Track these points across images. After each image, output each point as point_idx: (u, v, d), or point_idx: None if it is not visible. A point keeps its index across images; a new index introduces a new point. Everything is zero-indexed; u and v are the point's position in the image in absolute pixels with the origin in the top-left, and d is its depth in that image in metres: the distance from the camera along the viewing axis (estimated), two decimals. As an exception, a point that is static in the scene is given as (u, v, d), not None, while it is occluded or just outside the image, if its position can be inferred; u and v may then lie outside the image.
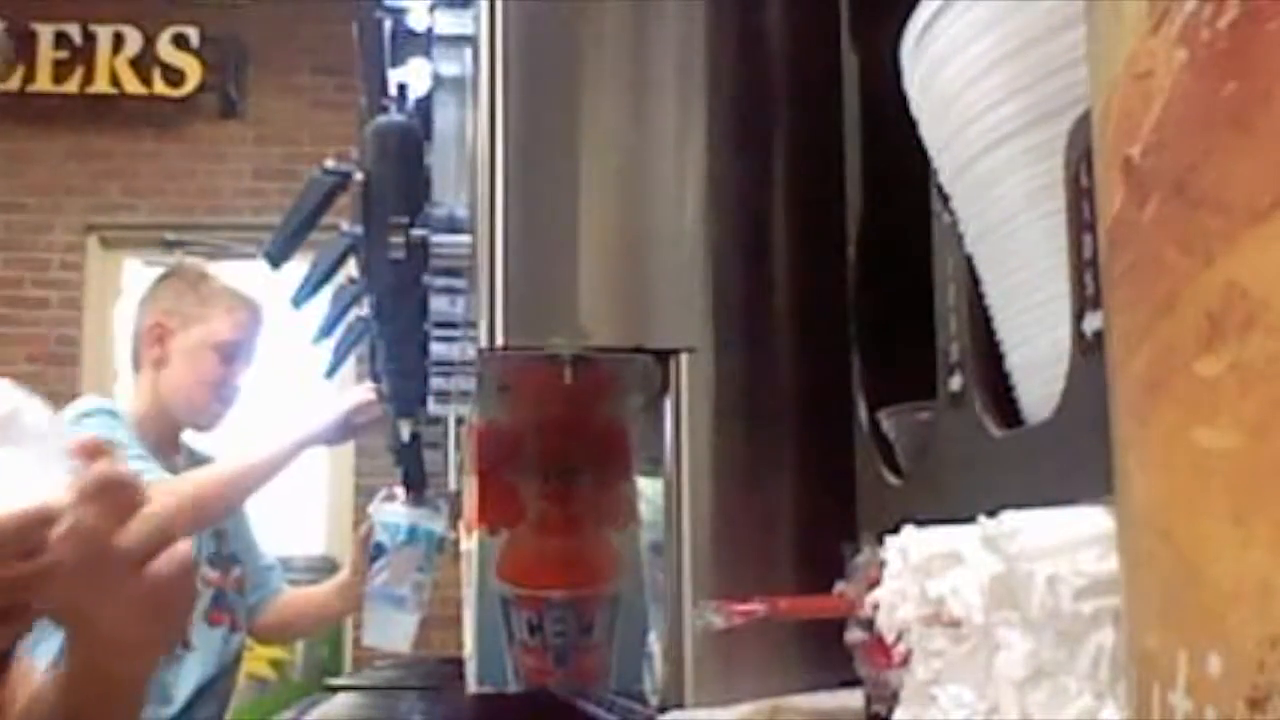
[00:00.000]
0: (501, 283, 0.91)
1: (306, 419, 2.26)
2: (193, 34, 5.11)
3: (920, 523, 0.60)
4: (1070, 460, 0.50)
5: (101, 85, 5.10)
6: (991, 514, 0.52)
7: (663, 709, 0.93)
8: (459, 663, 1.82)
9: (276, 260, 1.78)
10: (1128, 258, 0.34)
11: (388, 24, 1.40)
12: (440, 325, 1.28)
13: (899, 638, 0.60)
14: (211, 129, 5.19)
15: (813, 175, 0.96)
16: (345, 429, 2.24)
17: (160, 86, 5.12)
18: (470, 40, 1.00)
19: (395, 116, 1.52)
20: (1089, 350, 0.50)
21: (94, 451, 0.74)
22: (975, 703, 0.53)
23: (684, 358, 0.94)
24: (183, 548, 0.78)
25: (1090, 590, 0.45)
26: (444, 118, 1.28)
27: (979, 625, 0.52)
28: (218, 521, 2.24)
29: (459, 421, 1.69)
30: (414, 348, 1.51)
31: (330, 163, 1.69)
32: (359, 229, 1.52)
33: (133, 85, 5.11)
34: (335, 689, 2.82)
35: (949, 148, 0.62)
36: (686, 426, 0.94)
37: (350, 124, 1.96)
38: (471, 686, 1.51)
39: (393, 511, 2.26)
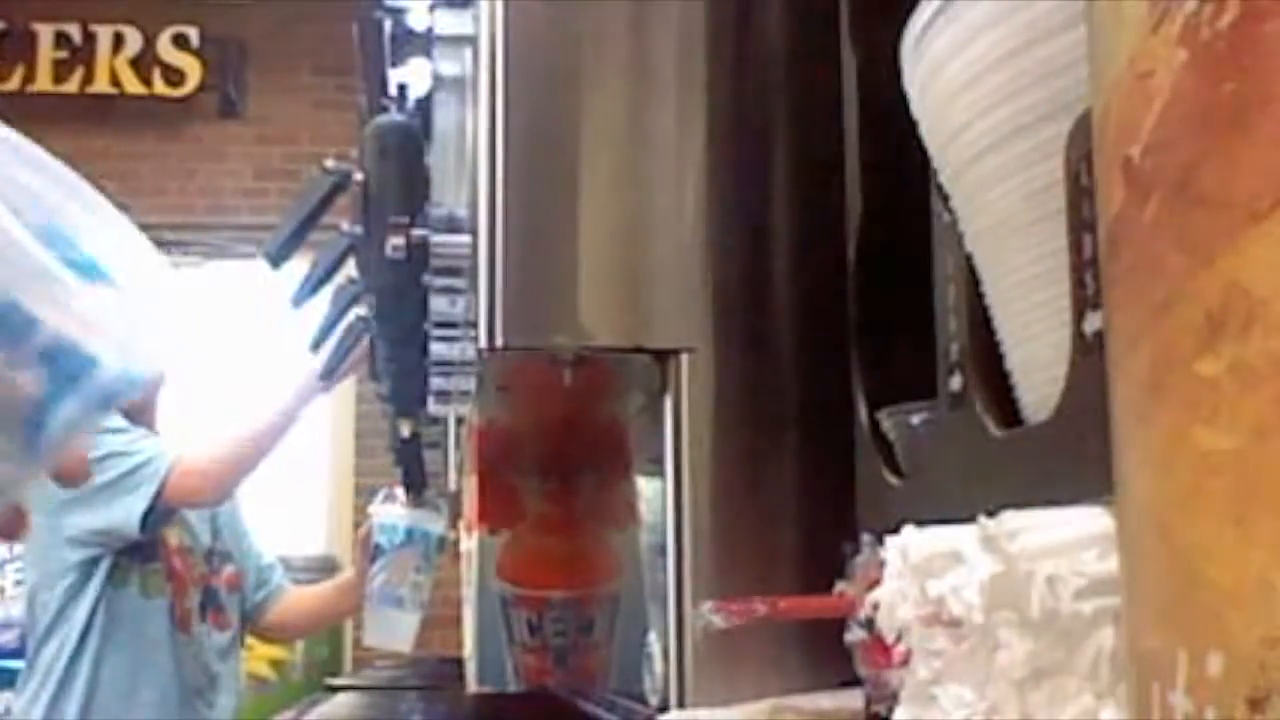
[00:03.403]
0: (501, 283, 0.91)
1: (294, 371, 2.25)
2: (193, 34, 5.10)
3: (920, 523, 0.60)
4: (1070, 460, 0.50)
5: (101, 85, 5.09)
6: (991, 514, 0.52)
7: (663, 709, 0.93)
8: (459, 663, 1.82)
9: (276, 260, 1.78)
10: (1128, 258, 0.34)
11: (388, 24, 1.40)
12: (440, 325, 1.28)
13: (899, 638, 0.60)
14: (211, 129, 5.19)
15: (813, 175, 0.96)
16: (334, 371, 2.22)
17: (160, 86, 5.11)
18: (470, 40, 1.00)
19: (395, 116, 1.52)
20: (1089, 350, 0.50)
21: None
22: (975, 703, 0.53)
23: (684, 358, 0.94)
24: None
25: (1090, 590, 0.45)
26: (444, 118, 1.28)
27: (979, 625, 0.52)
28: (240, 483, 2.23)
29: (459, 421, 1.69)
30: (414, 348, 1.51)
31: (330, 163, 1.69)
32: (359, 229, 1.52)
33: (133, 85, 5.10)
34: (335, 689, 2.82)
35: (949, 148, 0.62)
36: (686, 426, 0.94)
37: (350, 124, 1.96)
38: (471, 686, 1.51)
39: (391, 513, 2.26)
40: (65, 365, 0.47)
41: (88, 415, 0.47)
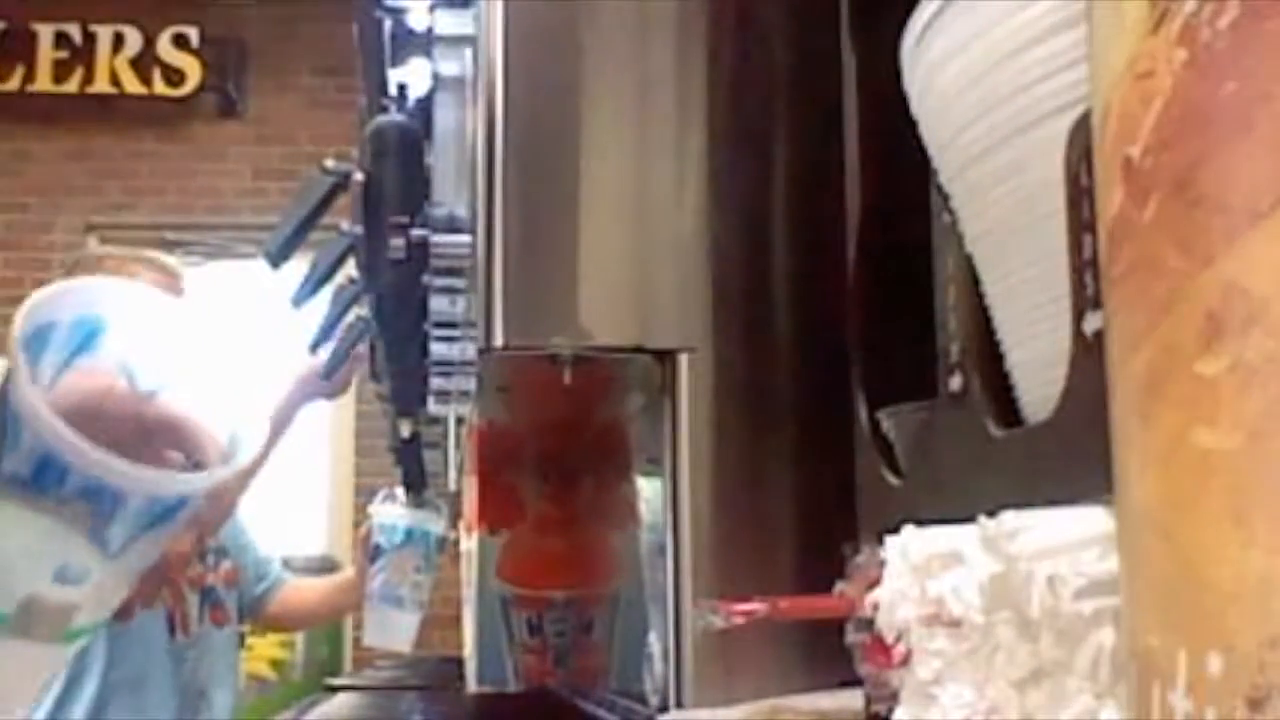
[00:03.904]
0: (501, 283, 0.91)
1: (285, 375, 2.24)
2: (193, 34, 5.10)
3: (920, 523, 0.60)
4: (1070, 460, 0.50)
5: (101, 85, 5.09)
6: (991, 514, 0.52)
7: (663, 709, 0.93)
8: (459, 663, 1.82)
9: (276, 260, 1.77)
10: (1128, 258, 0.34)
11: (388, 24, 1.40)
12: (440, 325, 1.28)
13: (899, 638, 0.60)
14: (211, 129, 5.19)
15: (813, 175, 0.96)
16: (330, 379, 2.21)
17: (160, 86, 5.11)
18: (470, 40, 1.00)
19: (395, 116, 1.52)
20: (1089, 350, 0.50)
21: None
22: (975, 702, 0.53)
23: (684, 358, 0.94)
24: None
25: (1090, 590, 0.45)
26: (444, 118, 1.28)
27: (979, 625, 0.52)
28: (233, 508, 2.23)
29: (459, 421, 1.69)
30: (414, 348, 1.51)
31: (330, 163, 1.69)
32: (359, 229, 1.52)
33: (133, 85, 5.11)
34: (335, 689, 2.82)
35: (949, 148, 0.62)
36: (686, 426, 0.94)
37: (350, 124, 1.96)
38: (471, 686, 1.51)
39: (390, 513, 2.26)
40: (99, 500, 0.59)
41: (142, 533, 0.63)
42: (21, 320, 0.62)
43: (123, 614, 2.07)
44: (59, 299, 0.65)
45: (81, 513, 0.60)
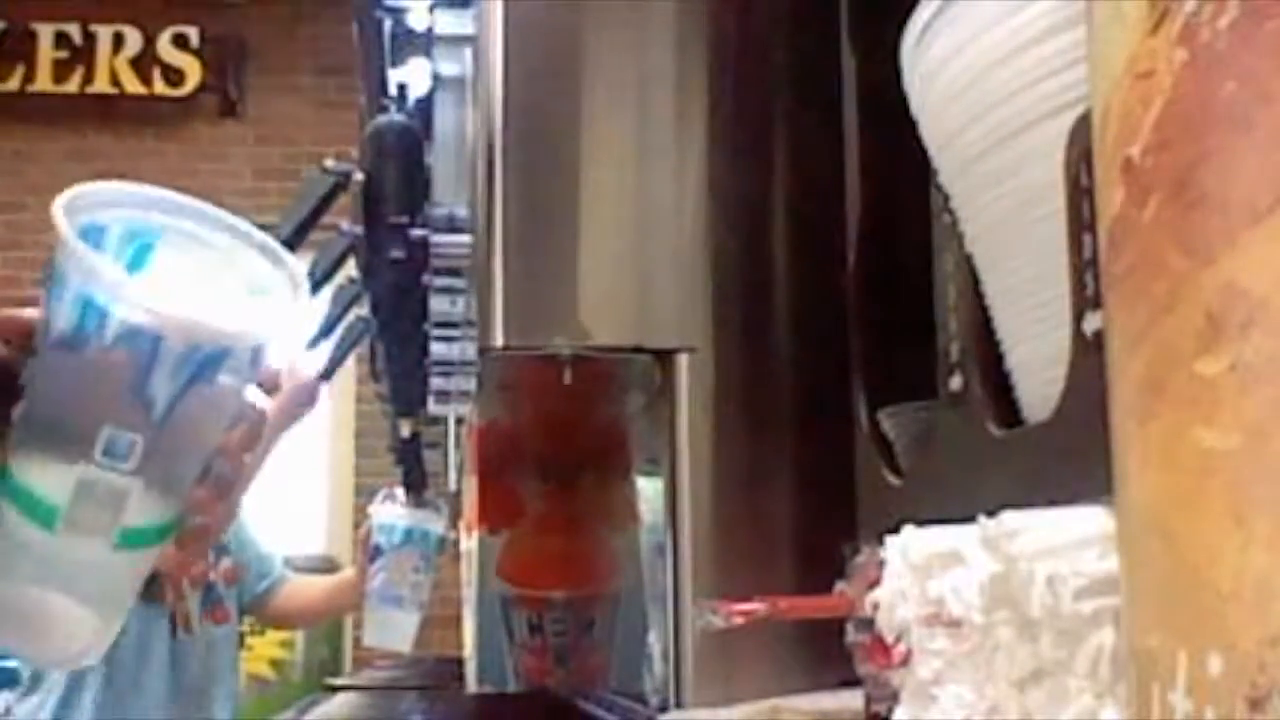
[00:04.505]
0: (501, 283, 0.91)
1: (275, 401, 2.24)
2: (193, 34, 5.10)
3: (920, 523, 0.60)
4: (1070, 460, 0.50)
5: (101, 85, 5.09)
6: (991, 514, 0.52)
7: (663, 709, 0.93)
8: (459, 663, 1.82)
9: (276, 260, 1.77)
10: (1128, 258, 0.34)
11: (388, 24, 1.40)
12: (440, 325, 1.28)
13: (899, 638, 0.60)
14: (211, 129, 5.18)
15: (813, 176, 0.96)
16: (329, 379, 2.21)
17: (160, 86, 5.11)
18: (470, 40, 1.00)
19: (395, 116, 1.52)
20: (1089, 350, 0.50)
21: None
22: (975, 703, 0.53)
23: (684, 358, 0.94)
24: None
25: (1090, 590, 0.45)
26: (444, 118, 1.28)
27: (979, 625, 0.52)
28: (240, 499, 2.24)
29: (459, 421, 1.69)
30: (414, 348, 1.51)
31: (330, 163, 1.69)
32: (359, 229, 1.52)
33: (133, 85, 5.10)
34: (335, 689, 2.82)
35: (949, 148, 0.62)
36: (686, 426, 0.94)
37: (350, 124, 1.96)
38: (471, 686, 1.51)
39: (390, 513, 2.26)
40: (139, 344, 0.60)
41: (189, 383, 0.61)
42: (69, 206, 0.62)
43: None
44: (109, 200, 0.65)
45: (122, 362, 0.60)
